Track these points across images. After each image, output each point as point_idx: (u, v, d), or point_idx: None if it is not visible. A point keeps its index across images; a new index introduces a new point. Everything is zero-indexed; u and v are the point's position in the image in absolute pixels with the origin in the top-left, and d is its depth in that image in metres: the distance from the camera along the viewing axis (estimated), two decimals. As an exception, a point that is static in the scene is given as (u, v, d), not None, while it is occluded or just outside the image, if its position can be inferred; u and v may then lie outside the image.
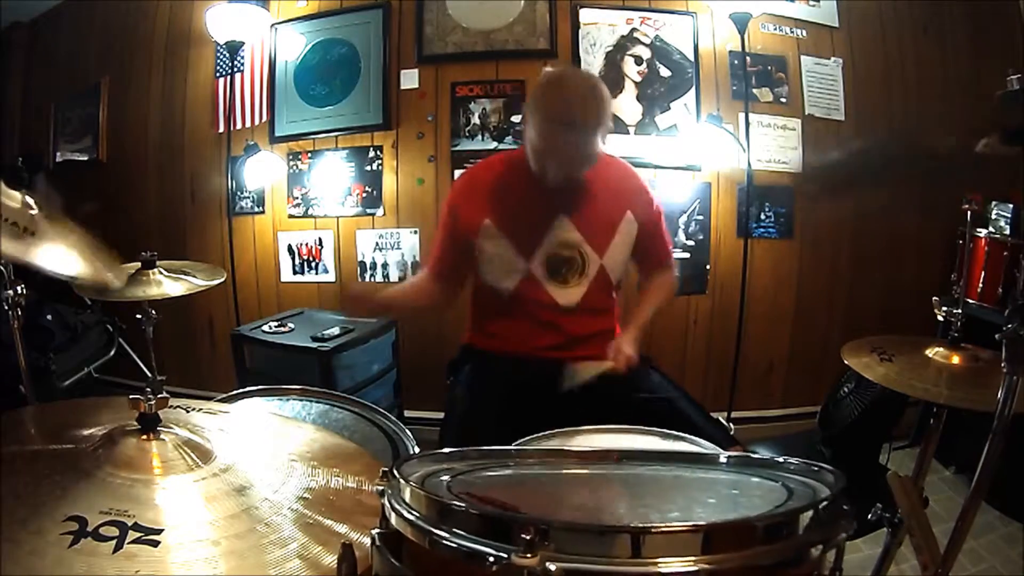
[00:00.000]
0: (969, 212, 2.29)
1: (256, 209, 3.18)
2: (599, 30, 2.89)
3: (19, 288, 1.65)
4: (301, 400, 1.53)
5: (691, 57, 2.90)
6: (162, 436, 0.80)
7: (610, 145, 2.73)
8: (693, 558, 0.55)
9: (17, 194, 1.45)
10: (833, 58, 2.94)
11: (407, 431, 1.41)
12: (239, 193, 3.16)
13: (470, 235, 1.70)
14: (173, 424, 0.83)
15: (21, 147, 3.74)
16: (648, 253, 1.81)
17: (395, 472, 0.69)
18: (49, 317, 2.93)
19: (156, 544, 0.66)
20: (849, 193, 2.96)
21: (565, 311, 1.68)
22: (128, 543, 0.65)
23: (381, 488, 0.69)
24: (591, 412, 1.37)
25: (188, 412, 0.95)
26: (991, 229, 2.48)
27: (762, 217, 2.93)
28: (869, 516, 1.34)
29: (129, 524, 0.67)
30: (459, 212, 1.73)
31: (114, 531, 0.65)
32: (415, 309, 1.76)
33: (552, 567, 0.53)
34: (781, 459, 0.79)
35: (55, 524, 0.64)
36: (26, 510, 0.66)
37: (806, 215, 2.97)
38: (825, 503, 0.62)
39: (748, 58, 2.82)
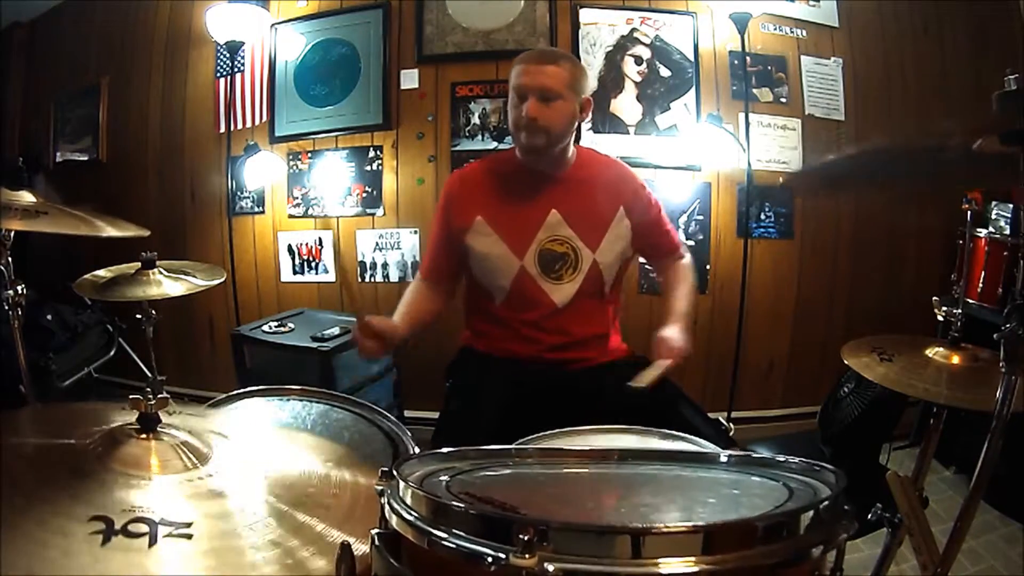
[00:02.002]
0: (969, 212, 2.30)
1: (256, 209, 3.18)
2: (599, 30, 2.89)
3: (19, 288, 1.65)
4: (301, 400, 1.53)
5: (691, 57, 2.90)
6: (162, 436, 0.80)
7: (610, 145, 2.76)
8: (693, 558, 0.55)
9: (27, 193, 1.51)
10: (833, 58, 2.94)
11: (407, 431, 1.41)
12: (239, 193, 3.16)
13: (462, 233, 1.69)
14: (173, 425, 0.83)
15: (21, 147, 3.74)
16: (656, 247, 1.82)
17: (394, 472, 0.69)
18: (49, 317, 2.94)
19: (190, 537, 0.65)
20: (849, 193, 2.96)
21: (558, 311, 1.67)
22: (162, 538, 0.64)
23: (380, 488, 0.69)
24: (590, 412, 1.37)
25: (188, 415, 0.94)
26: (991, 229, 2.48)
27: (762, 217, 2.93)
28: (869, 516, 1.34)
29: (156, 520, 0.66)
30: (451, 210, 1.73)
31: (143, 527, 0.64)
32: (424, 325, 1.76)
33: (550, 568, 0.53)
34: (782, 458, 0.79)
35: (79, 524, 0.63)
36: (43, 511, 0.64)
37: (806, 215, 2.97)
38: (826, 503, 0.62)
39: (748, 58, 2.81)
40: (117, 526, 0.64)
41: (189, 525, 0.67)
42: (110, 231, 1.60)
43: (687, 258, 1.85)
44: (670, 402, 1.59)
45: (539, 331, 1.68)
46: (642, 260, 2.68)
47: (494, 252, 1.67)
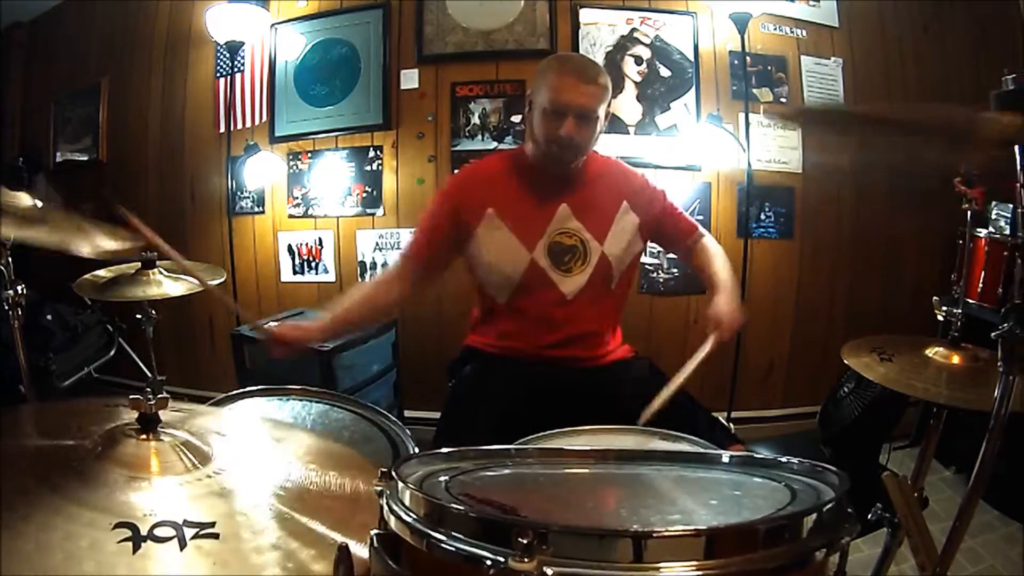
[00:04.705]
0: (969, 212, 2.29)
1: (256, 209, 3.18)
2: (599, 30, 2.88)
3: (19, 288, 1.65)
4: (301, 400, 1.53)
5: (691, 57, 2.89)
6: (162, 437, 0.79)
7: (610, 145, 2.76)
8: (695, 563, 0.55)
9: (25, 195, 1.49)
10: (833, 58, 2.94)
11: (407, 431, 1.41)
12: (239, 193, 3.16)
13: (472, 224, 1.68)
14: (173, 425, 0.83)
15: (21, 147, 3.74)
16: (672, 233, 1.82)
17: (393, 473, 0.69)
18: (49, 317, 2.93)
19: (217, 536, 0.65)
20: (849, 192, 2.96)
21: (567, 302, 1.67)
22: (191, 540, 0.63)
23: (380, 489, 0.69)
24: (592, 412, 1.37)
25: (187, 415, 0.94)
26: (991, 229, 2.48)
27: (762, 217, 2.93)
28: (869, 516, 1.34)
29: (180, 522, 0.65)
30: (460, 201, 1.71)
31: (170, 531, 0.64)
32: (375, 311, 1.73)
33: (550, 572, 0.52)
34: (784, 459, 0.78)
35: (105, 533, 0.62)
36: (62, 521, 0.62)
37: (806, 215, 2.97)
38: (829, 505, 0.62)
39: (748, 58, 2.81)
40: (143, 532, 0.63)
41: (212, 525, 0.66)
42: (108, 244, 1.55)
43: (708, 236, 1.84)
44: (672, 402, 1.58)
45: (545, 324, 1.67)
46: (643, 260, 2.69)
47: (505, 244, 1.67)
